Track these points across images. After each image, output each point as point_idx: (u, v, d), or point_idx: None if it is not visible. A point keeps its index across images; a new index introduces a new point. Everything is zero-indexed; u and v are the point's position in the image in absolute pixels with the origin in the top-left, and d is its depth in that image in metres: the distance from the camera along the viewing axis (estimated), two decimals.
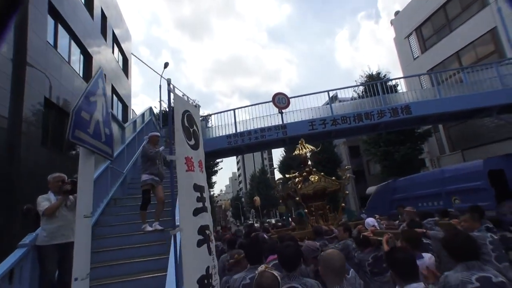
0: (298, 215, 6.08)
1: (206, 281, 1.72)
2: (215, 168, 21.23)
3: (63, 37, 10.10)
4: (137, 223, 5.03)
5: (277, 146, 12.68)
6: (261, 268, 1.96)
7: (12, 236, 6.42)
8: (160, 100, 16.01)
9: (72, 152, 10.23)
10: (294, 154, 7.36)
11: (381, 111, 10.38)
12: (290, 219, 7.43)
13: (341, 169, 7.19)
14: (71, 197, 3.64)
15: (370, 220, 5.47)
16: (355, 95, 15.59)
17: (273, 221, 26.34)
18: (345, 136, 13.88)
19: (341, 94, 14.82)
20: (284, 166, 29.03)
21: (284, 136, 10.81)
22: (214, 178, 22.53)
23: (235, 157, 77.39)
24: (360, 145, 26.09)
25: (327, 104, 11.88)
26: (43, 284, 3.22)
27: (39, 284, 3.25)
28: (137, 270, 3.96)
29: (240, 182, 79.16)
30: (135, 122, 8.67)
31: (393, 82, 14.19)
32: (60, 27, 9.83)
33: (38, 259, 3.29)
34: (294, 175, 6.91)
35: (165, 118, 15.29)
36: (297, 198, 6.29)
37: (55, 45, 9.33)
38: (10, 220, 6.58)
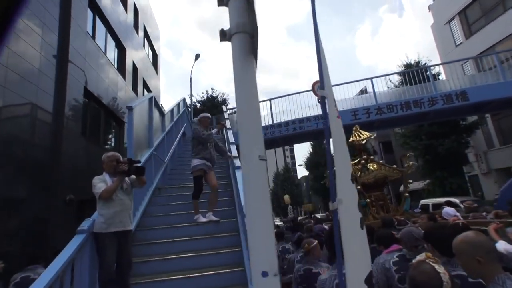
0: (363, 205, 5.45)
1: (373, 281, 1.19)
2: None
3: (100, 29, 10.00)
4: (186, 214, 4.62)
5: (316, 138, 12.05)
6: (420, 257, 1.48)
7: (55, 226, 6.26)
8: (191, 94, 15.76)
9: (106, 146, 10.14)
10: (349, 141, 6.70)
11: (433, 98, 9.48)
12: None
13: (404, 156, 6.41)
14: (127, 179, 3.24)
15: (451, 210, 4.82)
16: (391, 85, 14.58)
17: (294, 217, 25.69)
18: (389, 126, 12.93)
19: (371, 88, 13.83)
20: (311, 163, 28.25)
21: (324, 127, 10.13)
22: None
23: None
24: (393, 140, 24.83)
25: (361, 94, 11.08)
26: (102, 275, 2.83)
27: (98, 275, 2.86)
28: (195, 266, 3.51)
29: None
30: (172, 111, 8.34)
31: (435, 69, 13.11)
32: (97, 19, 9.74)
33: (96, 248, 2.91)
34: (355, 162, 6.27)
35: (196, 112, 15.01)
36: (358, 187, 5.66)
37: (93, 36, 9.21)
38: (53, 210, 6.42)
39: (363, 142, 6.65)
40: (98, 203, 3.01)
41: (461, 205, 6.53)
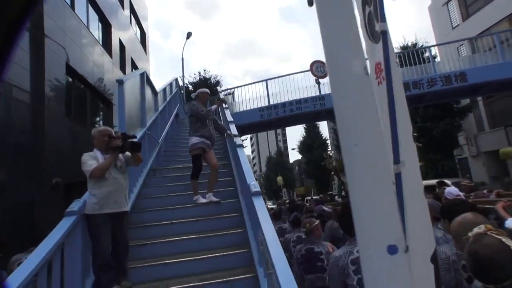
0: None
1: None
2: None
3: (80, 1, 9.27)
4: (185, 195, 4.36)
5: (313, 120, 11.83)
6: (479, 229, 1.23)
7: (40, 209, 5.93)
8: (183, 75, 15.19)
9: (96, 126, 9.65)
10: None
11: (432, 79, 9.32)
12: (343, 192, 6.64)
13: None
14: (121, 156, 2.94)
15: (454, 190, 4.69)
16: None
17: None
18: None
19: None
20: (305, 146, 28.24)
21: (321, 108, 9.91)
22: None
23: (248, 139, 76.84)
24: None
25: None
26: (96, 260, 2.57)
27: (92, 261, 2.60)
28: (199, 248, 3.28)
29: (254, 165, 78.90)
30: (164, 90, 7.92)
31: (431, 51, 12.88)
32: None
33: (89, 231, 2.63)
34: None
35: (189, 93, 14.50)
36: None
37: (72, 7, 8.51)
38: (38, 193, 6.06)
39: None
40: (89, 182, 2.71)
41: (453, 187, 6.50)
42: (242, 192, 4.05)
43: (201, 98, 4.44)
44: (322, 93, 10.16)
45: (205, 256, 3.05)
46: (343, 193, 6.59)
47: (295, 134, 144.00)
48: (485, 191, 4.99)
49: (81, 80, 8.57)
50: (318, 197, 24.53)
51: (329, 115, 10.79)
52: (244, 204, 3.83)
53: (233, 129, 4.89)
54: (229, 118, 5.58)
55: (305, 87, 10.46)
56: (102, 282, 2.54)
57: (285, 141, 72.23)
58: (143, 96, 5.42)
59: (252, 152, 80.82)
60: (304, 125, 29.36)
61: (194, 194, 4.10)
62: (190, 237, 3.40)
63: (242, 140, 22.99)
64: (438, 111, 14.15)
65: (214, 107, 4.38)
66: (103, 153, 2.80)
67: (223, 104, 5.24)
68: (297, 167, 43.96)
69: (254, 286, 2.65)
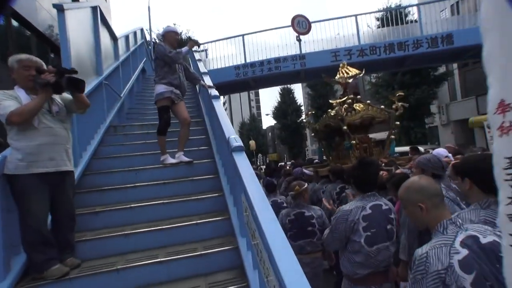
0: (347, 147, 4.94)
1: None
2: None
3: None
4: (151, 155, 3.72)
5: (291, 81, 11.20)
6: None
7: None
8: (150, 29, 13.61)
9: None
10: (335, 78, 5.99)
11: (418, 41, 8.92)
12: (323, 154, 6.29)
13: (392, 95, 5.86)
14: (58, 99, 2.21)
15: (442, 151, 4.46)
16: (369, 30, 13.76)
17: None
18: (369, 71, 12.36)
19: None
20: (279, 112, 27.83)
21: (302, 68, 9.28)
22: None
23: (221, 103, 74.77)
24: (361, 91, 24.92)
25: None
26: (27, 233, 1.95)
27: (21, 234, 1.97)
28: (167, 215, 2.75)
29: None
30: (127, 38, 6.81)
31: (411, 14, 12.39)
32: None
33: (14, 197, 1.96)
34: (341, 100, 5.62)
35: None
36: (345, 128, 5.11)
37: None
38: None
39: (350, 80, 5.98)
40: (9, 132, 1.98)
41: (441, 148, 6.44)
42: (218, 151, 3.49)
43: (169, 39, 3.63)
44: (303, 51, 9.46)
45: (175, 225, 2.53)
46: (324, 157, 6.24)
47: (268, 99, 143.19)
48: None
49: (23, 22, 7.14)
50: (291, 162, 24.75)
51: (309, 75, 10.23)
52: (221, 164, 3.29)
53: (208, 81, 4.18)
54: (203, 69, 4.83)
55: (285, 44, 9.68)
56: (36, 262, 1.94)
57: (258, 107, 71.31)
58: (97, 38, 4.45)
59: None
60: (279, 89, 28.71)
61: (162, 153, 3.47)
62: (156, 202, 2.84)
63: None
64: (416, 78, 14.07)
65: (185, 49, 3.60)
66: (30, 92, 2.05)
67: (196, 47, 4.43)
68: (270, 133, 43.90)
69: (234, 259, 2.21)
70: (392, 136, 5.67)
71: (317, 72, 10.08)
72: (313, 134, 6.37)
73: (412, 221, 1.51)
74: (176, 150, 3.51)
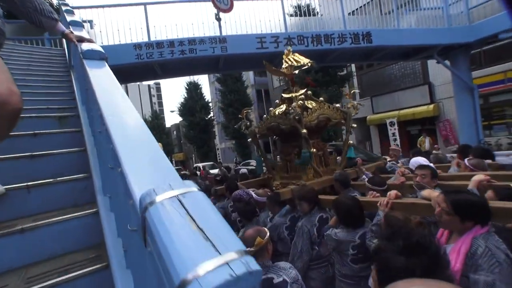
0: (305, 157, 3.54)
1: None
2: None
3: None
4: None
5: (209, 69, 9.28)
6: None
7: None
8: None
9: None
10: (280, 69, 4.62)
11: (343, 35, 8.45)
12: (263, 165, 4.81)
13: (346, 93, 4.83)
14: None
15: (422, 160, 3.61)
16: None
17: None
18: None
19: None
20: (185, 109, 25.31)
21: (222, 53, 7.57)
22: None
23: None
24: (270, 88, 24.95)
25: None
26: None
27: None
28: None
29: None
30: None
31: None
32: None
33: None
34: (298, 94, 4.17)
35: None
36: (304, 131, 3.73)
37: None
38: None
39: (296, 71, 4.68)
40: None
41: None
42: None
43: None
44: (224, 33, 7.77)
45: None
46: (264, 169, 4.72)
47: (171, 94, 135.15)
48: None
49: None
50: (201, 165, 22.56)
51: (229, 64, 8.61)
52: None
53: (82, 33, 2.06)
54: (70, 18, 2.59)
55: (202, 23, 7.77)
56: None
57: (160, 103, 65.61)
58: None
59: None
60: (185, 84, 26.12)
61: None
62: None
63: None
64: (326, 77, 14.30)
65: None
66: None
67: None
68: (175, 131, 40.42)
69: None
70: (350, 142, 4.63)
71: (238, 61, 8.58)
72: (249, 140, 4.79)
73: None
74: None
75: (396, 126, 13.00)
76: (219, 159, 24.37)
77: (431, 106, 14.58)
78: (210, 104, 27.03)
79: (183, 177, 6.91)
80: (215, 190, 4.26)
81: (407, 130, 16.41)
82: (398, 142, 12.99)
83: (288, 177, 4.25)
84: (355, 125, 4.59)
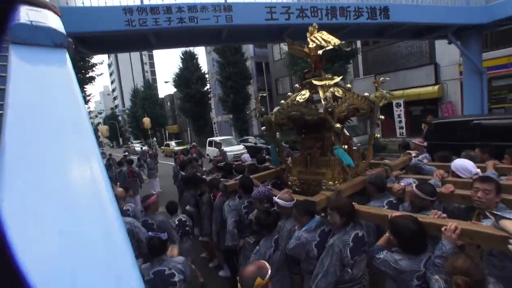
0: (337, 154, 3.00)
1: None
2: (91, 73, 14.62)
3: None
4: None
5: (209, 41, 8.42)
6: None
7: None
8: None
9: None
10: (303, 48, 3.92)
11: (359, 9, 7.62)
12: (279, 158, 4.29)
13: (376, 81, 4.19)
14: None
15: (471, 166, 3.13)
16: None
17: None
18: (301, 38, 10.70)
19: None
20: (181, 80, 24.14)
21: (227, 23, 6.72)
22: (89, 89, 16.07)
23: (106, 66, 62.43)
24: (270, 61, 23.82)
25: None
26: None
27: None
28: None
29: (115, 98, 66.34)
30: None
31: None
32: None
33: None
34: (334, 81, 3.52)
35: None
36: (337, 125, 3.18)
37: None
38: None
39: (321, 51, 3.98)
40: None
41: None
42: None
43: None
44: (229, 1, 6.87)
45: None
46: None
47: (165, 64, 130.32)
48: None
49: None
50: (192, 144, 21.89)
51: (233, 36, 7.76)
52: None
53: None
54: None
55: None
56: None
57: (153, 72, 63.07)
58: None
59: (112, 82, 67.41)
60: (180, 53, 24.63)
61: None
62: None
63: (94, 65, 16.73)
64: (333, 53, 13.46)
65: None
66: None
67: None
68: (169, 103, 39.13)
69: None
70: (377, 135, 4.11)
71: (244, 32, 7.74)
72: (263, 128, 4.22)
73: None
74: None
75: (402, 108, 12.49)
76: (216, 133, 23.71)
77: (436, 87, 14.04)
78: (207, 76, 25.80)
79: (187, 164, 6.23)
80: (224, 185, 3.74)
81: (409, 111, 15.98)
82: (403, 124, 12.56)
83: (307, 172, 3.76)
84: (382, 117, 4.02)
